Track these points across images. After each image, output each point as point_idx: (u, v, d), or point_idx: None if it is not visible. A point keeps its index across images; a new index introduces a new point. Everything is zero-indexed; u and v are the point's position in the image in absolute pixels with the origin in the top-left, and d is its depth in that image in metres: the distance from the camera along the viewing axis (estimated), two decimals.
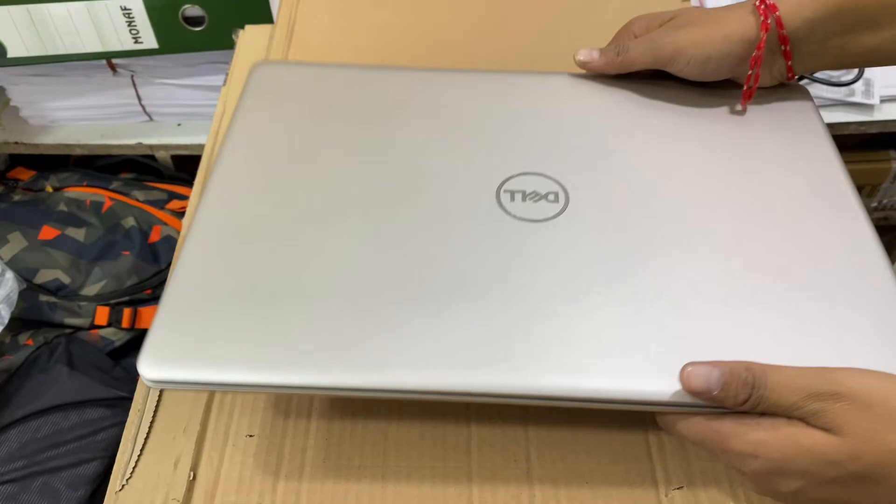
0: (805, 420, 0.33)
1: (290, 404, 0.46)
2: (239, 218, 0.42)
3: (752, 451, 0.34)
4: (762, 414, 0.34)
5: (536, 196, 0.43)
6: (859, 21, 0.45)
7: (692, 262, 0.40)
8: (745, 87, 0.48)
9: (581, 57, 0.51)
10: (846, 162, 0.46)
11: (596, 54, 0.50)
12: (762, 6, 0.45)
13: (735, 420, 0.35)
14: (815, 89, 0.88)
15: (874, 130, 0.95)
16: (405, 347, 0.36)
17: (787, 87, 0.50)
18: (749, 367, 0.34)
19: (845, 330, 0.38)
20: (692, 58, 0.47)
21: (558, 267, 0.40)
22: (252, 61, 0.55)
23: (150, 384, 0.35)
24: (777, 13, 0.45)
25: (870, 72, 0.95)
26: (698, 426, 0.36)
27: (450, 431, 0.45)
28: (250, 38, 0.70)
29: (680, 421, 0.36)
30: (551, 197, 0.43)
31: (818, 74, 0.81)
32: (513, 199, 0.43)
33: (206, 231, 0.41)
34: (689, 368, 0.35)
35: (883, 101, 0.94)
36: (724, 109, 0.49)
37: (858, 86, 0.93)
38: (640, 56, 0.49)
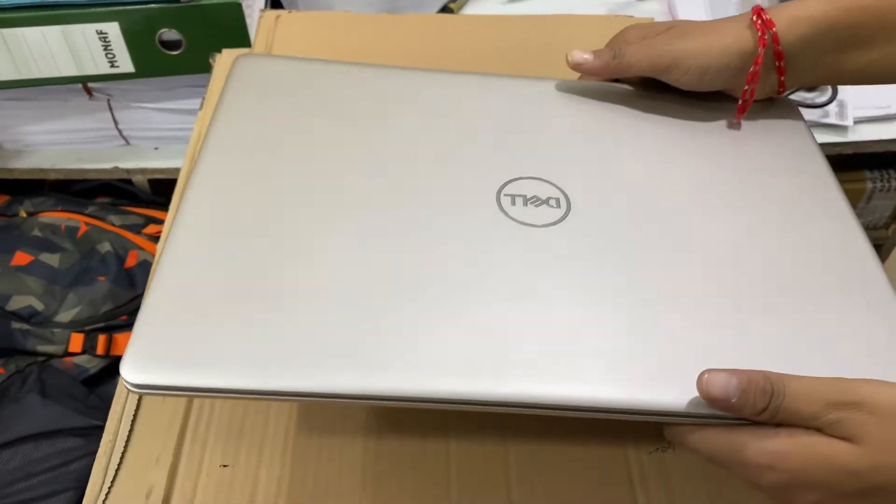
0: (824, 430, 0.32)
1: (265, 432, 0.45)
2: (225, 213, 0.39)
3: (770, 463, 0.33)
4: (779, 424, 0.33)
5: (537, 201, 0.42)
6: (852, 39, 0.46)
7: (698, 272, 0.40)
8: (740, 102, 0.48)
9: (574, 58, 0.49)
10: None
11: (590, 56, 0.49)
12: (759, 21, 0.45)
13: (751, 430, 0.33)
14: None
15: (849, 151, 0.96)
16: (403, 353, 0.35)
17: (776, 102, 0.51)
18: (767, 375, 0.33)
19: (852, 340, 0.37)
20: (691, 67, 0.47)
21: (563, 272, 0.39)
22: None
23: (133, 389, 0.33)
24: (774, 29, 0.45)
25: (843, 93, 0.97)
26: (711, 438, 0.34)
27: (429, 455, 0.44)
28: (227, 61, 0.70)
29: (691, 433, 0.35)
30: (553, 202, 0.42)
31: (793, 96, 0.82)
32: (514, 202, 0.42)
33: (191, 227, 0.39)
34: (707, 375, 0.33)
35: (857, 122, 0.95)
36: (720, 122, 0.49)
37: (832, 107, 0.94)
38: (637, 61, 0.48)
